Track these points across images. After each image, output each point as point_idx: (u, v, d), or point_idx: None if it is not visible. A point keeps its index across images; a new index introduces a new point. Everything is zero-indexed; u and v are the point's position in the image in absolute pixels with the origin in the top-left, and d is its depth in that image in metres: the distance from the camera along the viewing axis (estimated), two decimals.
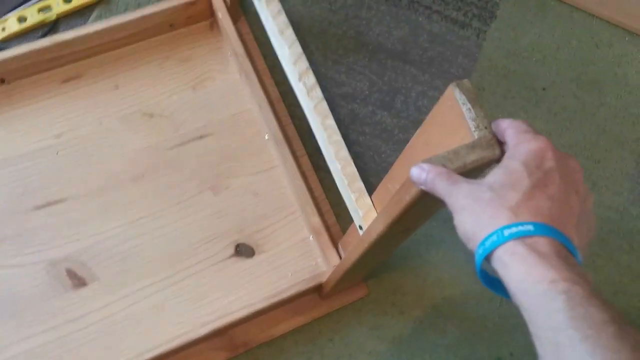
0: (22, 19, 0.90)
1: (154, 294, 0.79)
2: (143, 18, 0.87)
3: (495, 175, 0.46)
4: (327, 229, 0.82)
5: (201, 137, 0.87)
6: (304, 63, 0.71)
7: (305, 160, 0.88)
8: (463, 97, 0.49)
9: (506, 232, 0.43)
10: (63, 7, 0.91)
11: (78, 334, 0.77)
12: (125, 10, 0.93)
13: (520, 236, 0.43)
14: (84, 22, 0.92)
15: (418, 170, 0.48)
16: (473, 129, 0.48)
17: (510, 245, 0.43)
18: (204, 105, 0.89)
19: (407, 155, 0.59)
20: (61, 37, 0.84)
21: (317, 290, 0.81)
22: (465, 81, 0.49)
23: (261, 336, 0.80)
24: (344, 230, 0.84)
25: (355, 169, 0.69)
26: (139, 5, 0.93)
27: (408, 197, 0.50)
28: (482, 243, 0.44)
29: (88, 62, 0.88)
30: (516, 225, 0.43)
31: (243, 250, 0.83)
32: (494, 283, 0.46)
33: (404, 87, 0.95)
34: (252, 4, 0.79)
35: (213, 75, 0.90)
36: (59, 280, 0.79)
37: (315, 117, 0.69)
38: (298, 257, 0.83)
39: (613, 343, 0.38)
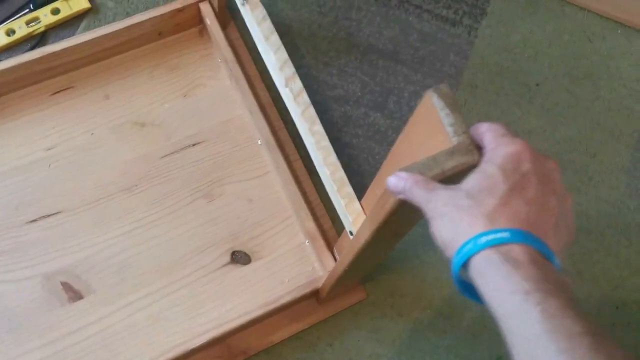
0: (10, 32, 0.89)
1: (150, 305, 0.79)
2: (131, 27, 0.86)
3: (472, 181, 0.46)
4: (323, 233, 0.82)
5: (193, 144, 0.87)
6: (290, 69, 0.70)
7: (299, 165, 0.87)
8: (441, 102, 0.48)
9: (482, 240, 0.43)
10: (51, 19, 0.91)
11: (75, 347, 0.76)
12: (114, 19, 0.93)
13: (495, 244, 0.42)
14: (73, 33, 0.92)
15: (395, 180, 0.48)
16: (451, 134, 0.48)
17: (485, 253, 0.43)
18: (195, 113, 0.88)
19: (392, 161, 0.59)
20: (50, 49, 0.84)
21: (315, 296, 0.80)
22: (443, 86, 0.49)
23: (259, 344, 0.80)
24: (339, 234, 0.84)
25: (344, 174, 0.68)
26: (127, 15, 0.93)
27: (388, 205, 0.49)
28: (459, 251, 0.44)
29: (78, 73, 0.88)
30: (492, 232, 0.43)
31: (239, 258, 0.82)
32: (472, 290, 0.45)
33: (396, 88, 0.95)
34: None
35: (203, 82, 0.90)
36: (55, 293, 0.78)
37: (303, 123, 0.69)
38: (294, 263, 0.83)
39: (588, 355, 0.38)
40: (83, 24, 0.92)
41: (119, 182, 0.84)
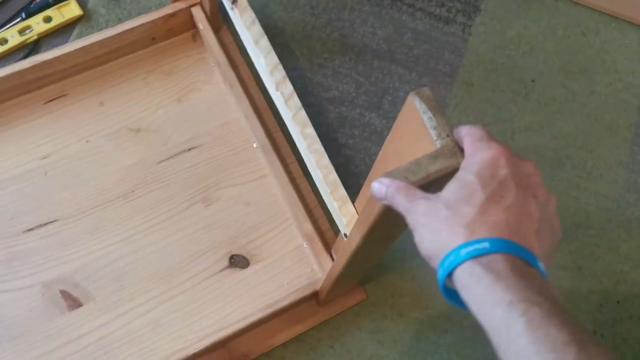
0: (3, 42, 0.89)
1: (150, 311, 0.79)
2: (124, 33, 0.86)
3: (450, 190, 0.45)
4: (321, 235, 0.82)
5: (189, 149, 0.87)
6: (281, 72, 0.70)
7: (295, 167, 0.87)
8: (423, 105, 0.48)
9: (463, 252, 0.42)
10: (43, 27, 0.91)
11: (76, 356, 0.76)
12: (106, 26, 0.92)
13: (476, 255, 0.42)
14: (66, 41, 0.91)
15: (378, 185, 0.47)
16: (435, 137, 0.47)
17: (467, 265, 0.42)
18: (191, 118, 0.88)
19: (380, 164, 0.58)
20: (42, 57, 0.83)
21: (314, 298, 0.80)
22: (425, 89, 0.48)
23: (260, 347, 0.79)
24: (337, 235, 0.83)
25: (336, 177, 0.68)
26: (119, 21, 0.92)
27: (376, 210, 0.49)
28: (442, 263, 0.43)
29: (71, 80, 0.88)
30: (472, 243, 0.42)
31: (237, 262, 0.82)
32: (461, 300, 0.45)
33: (391, 87, 0.95)
34: None
35: (198, 86, 0.90)
36: (54, 302, 0.78)
37: (295, 126, 0.69)
38: (293, 265, 0.82)
39: None
40: (75, 31, 0.92)
41: (116, 188, 0.84)
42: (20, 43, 0.90)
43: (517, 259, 0.42)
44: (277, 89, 0.70)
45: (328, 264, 0.79)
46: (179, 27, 0.90)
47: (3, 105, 0.85)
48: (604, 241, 0.90)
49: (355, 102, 0.93)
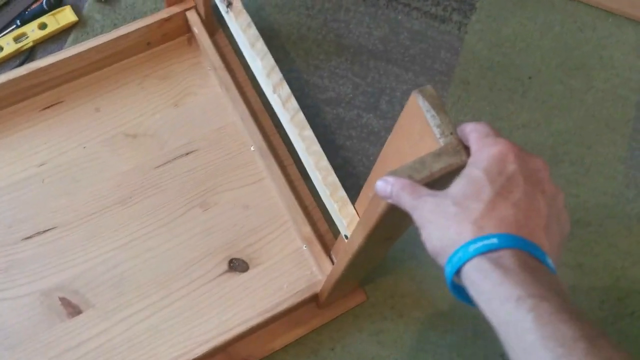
0: None
1: (149, 317, 0.79)
2: (119, 39, 0.86)
3: (458, 186, 0.45)
4: (320, 237, 0.81)
5: (187, 154, 0.86)
6: (277, 75, 0.70)
7: (293, 169, 0.87)
8: (426, 103, 0.47)
9: (471, 248, 0.42)
10: (39, 34, 0.90)
11: None
12: (102, 32, 0.92)
13: (485, 251, 0.42)
14: (61, 47, 0.91)
15: (383, 184, 0.47)
16: (438, 135, 0.47)
17: (475, 261, 0.42)
18: (187, 122, 0.88)
19: (382, 163, 0.58)
20: (37, 65, 0.83)
21: (314, 300, 0.80)
22: (428, 87, 0.48)
23: (261, 351, 0.79)
24: (336, 237, 0.83)
25: (336, 178, 0.68)
26: (114, 26, 0.92)
27: (379, 209, 0.49)
28: (450, 260, 0.43)
29: (67, 87, 0.88)
30: (481, 239, 0.42)
31: (237, 265, 0.82)
32: (469, 297, 0.45)
33: (388, 87, 0.94)
34: None
35: (194, 90, 0.90)
36: (54, 309, 0.78)
37: (293, 128, 0.69)
38: (293, 268, 0.82)
39: None
40: (71, 37, 0.92)
41: (113, 194, 0.83)
42: (16, 50, 0.89)
43: (525, 254, 0.42)
44: (274, 91, 0.70)
45: (327, 266, 0.78)
46: (174, 32, 0.90)
47: None
48: (603, 237, 0.90)
49: (352, 103, 0.93)
